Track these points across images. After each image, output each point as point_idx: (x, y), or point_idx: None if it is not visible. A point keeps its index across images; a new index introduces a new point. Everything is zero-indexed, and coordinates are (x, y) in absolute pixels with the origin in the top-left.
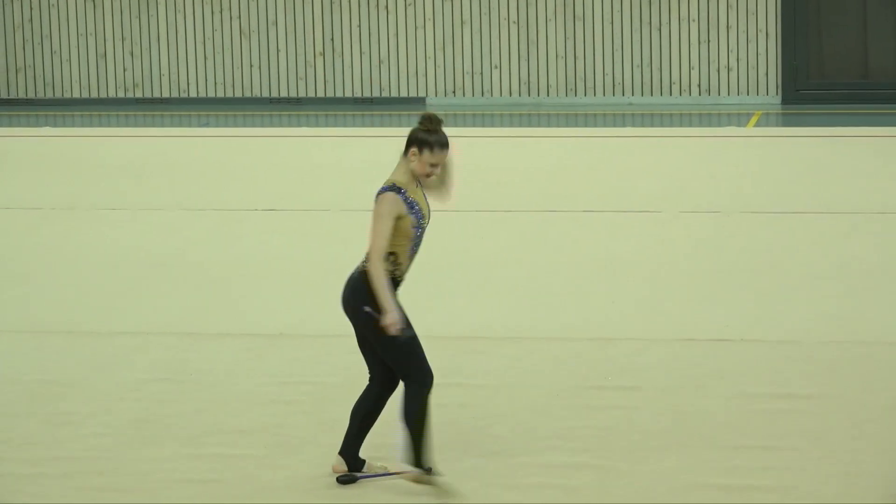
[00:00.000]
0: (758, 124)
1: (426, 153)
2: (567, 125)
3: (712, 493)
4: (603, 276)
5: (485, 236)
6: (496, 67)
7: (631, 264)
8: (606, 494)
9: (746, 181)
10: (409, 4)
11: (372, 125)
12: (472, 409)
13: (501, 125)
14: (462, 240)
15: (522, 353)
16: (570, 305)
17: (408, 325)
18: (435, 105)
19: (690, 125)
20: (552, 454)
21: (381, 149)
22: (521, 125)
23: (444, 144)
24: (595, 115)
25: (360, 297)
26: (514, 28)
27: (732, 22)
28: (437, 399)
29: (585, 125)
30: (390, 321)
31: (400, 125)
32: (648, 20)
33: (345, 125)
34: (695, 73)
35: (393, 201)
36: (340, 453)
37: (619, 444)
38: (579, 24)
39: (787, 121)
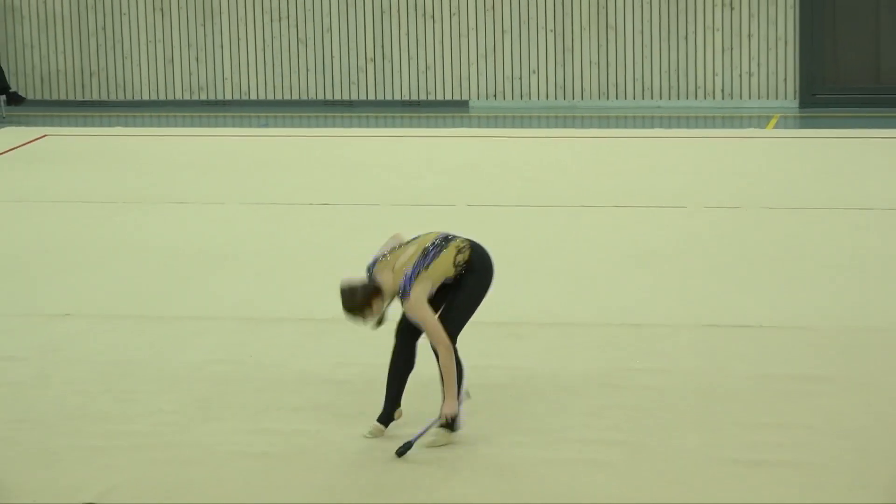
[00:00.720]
0: (777, 126)
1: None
2: (600, 126)
3: (733, 468)
4: (632, 266)
5: (525, 229)
6: (534, 73)
7: (658, 256)
8: (636, 468)
9: (766, 179)
10: (454, 14)
11: (419, 126)
12: (511, 390)
13: (539, 126)
14: (504, 232)
15: (559, 337)
16: (602, 293)
17: None
18: (477, 107)
19: (714, 127)
20: (586, 430)
21: (426, 148)
22: (556, 126)
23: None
24: (626, 117)
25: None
26: (550, 36)
27: (754, 31)
28: (481, 380)
29: (617, 126)
30: (449, 413)
31: (445, 125)
32: (676, 30)
33: (394, 126)
34: (718, 79)
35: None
36: (380, 419)
37: (648, 422)
38: (612, 33)
39: (804, 123)
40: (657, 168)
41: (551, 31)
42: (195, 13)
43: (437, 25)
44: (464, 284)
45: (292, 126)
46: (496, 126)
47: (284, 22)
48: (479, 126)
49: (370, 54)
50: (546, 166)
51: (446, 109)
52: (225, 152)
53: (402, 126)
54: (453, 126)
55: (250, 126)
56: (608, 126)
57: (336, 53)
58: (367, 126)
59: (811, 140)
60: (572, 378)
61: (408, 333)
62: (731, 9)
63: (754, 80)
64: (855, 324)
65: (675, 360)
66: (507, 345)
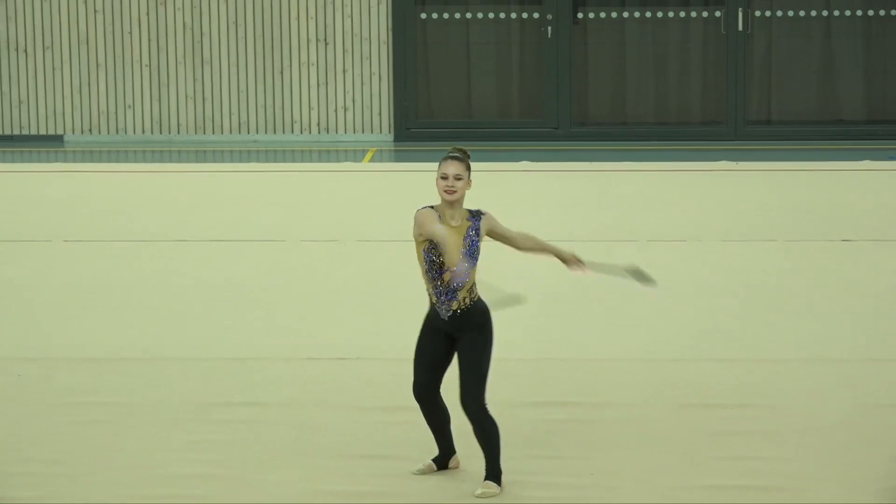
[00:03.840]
0: (372, 160)
1: (439, 170)
2: (196, 161)
3: (329, 499)
4: (227, 300)
5: (119, 264)
6: (129, 107)
7: (254, 288)
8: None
9: (362, 212)
10: (47, 47)
11: (13, 161)
12: (108, 426)
13: (136, 160)
14: (96, 266)
15: (155, 371)
16: (197, 327)
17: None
18: (72, 142)
19: (311, 161)
20: (185, 465)
21: (21, 184)
22: (153, 160)
23: (449, 157)
24: (223, 151)
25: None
26: (146, 70)
27: (349, 66)
28: (72, 417)
29: (213, 160)
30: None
31: (40, 160)
32: (271, 64)
33: None
34: (314, 113)
35: (426, 215)
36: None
37: (246, 456)
38: (207, 68)
39: (399, 157)
40: (254, 201)
41: (146, 65)
42: None
43: (30, 59)
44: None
45: None
46: (92, 161)
47: None
48: (74, 161)
49: None
50: (143, 201)
51: (41, 144)
52: None
53: None
54: (48, 161)
55: None
56: (205, 160)
57: None
58: None
59: (406, 174)
60: (170, 413)
61: (428, 396)
62: (326, 44)
63: (349, 114)
64: None
65: (271, 393)
66: (101, 381)
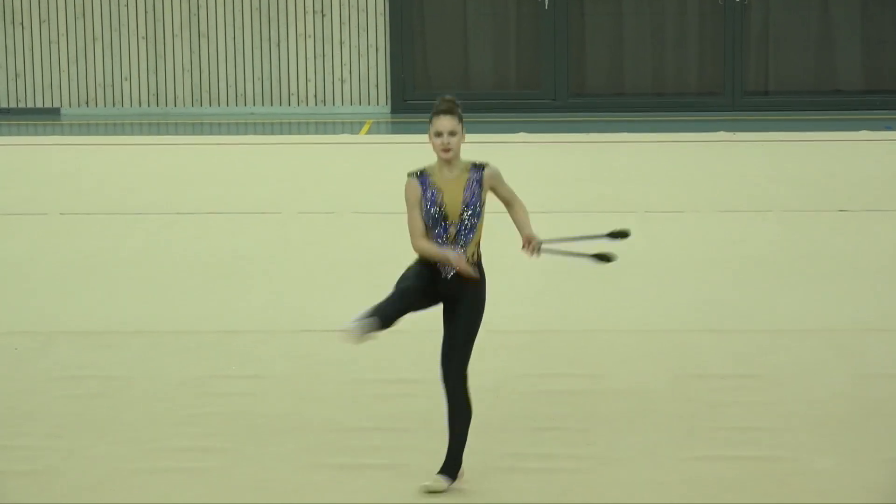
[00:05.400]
0: (369, 132)
1: (431, 127)
2: (194, 133)
3: (329, 472)
4: (225, 273)
5: (117, 238)
6: (126, 79)
7: (253, 262)
8: (232, 474)
9: (359, 184)
10: (43, 21)
11: (9, 134)
12: (105, 399)
13: (133, 133)
14: (95, 241)
15: (151, 346)
16: (194, 301)
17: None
18: (69, 115)
19: (308, 133)
20: (182, 439)
21: (17, 157)
22: (150, 133)
23: (440, 111)
24: (220, 124)
25: None
26: (143, 43)
27: (346, 38)
28: (71, 391)
29: (211, 133)
30: (454, 258)
31: (37, 133)
32: (269, 36)
33: None
34: (311, 85)
35: (410, 188)
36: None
37: (243, 428)
38: (204, 40)
39: (396, 129)
40: (251, 174)
41: (143, 37)
42: None
43: (27, 32)
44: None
45: None
46: (89, 134)
47: None
48: (71, 134)
49: None
50: (140, 174)
51: (37, 117)
52: None
53: None
54: (45, 134)
55: None
56: (202, 133)
57: None
58: None
59: (403, 145)
60: (166, 386)
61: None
62: (323, 16)
63: (346, 86)
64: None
65: (268, 366)
66: (98, 355)
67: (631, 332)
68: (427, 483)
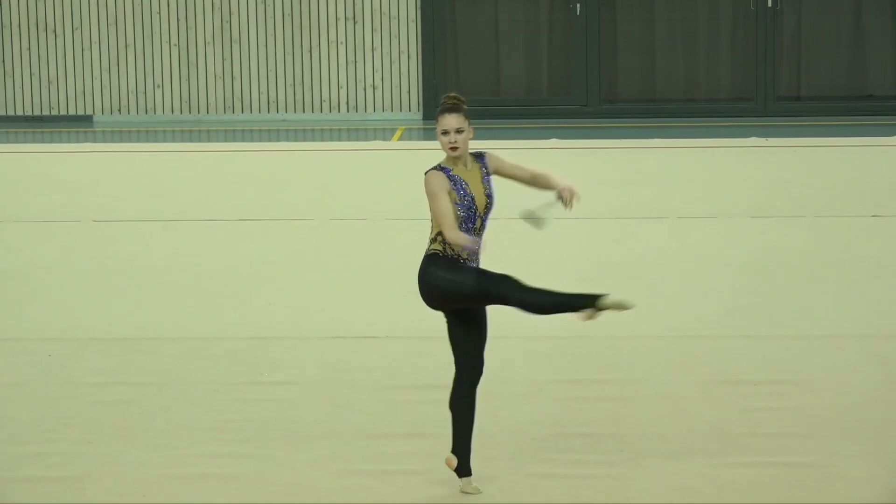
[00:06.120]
0: (401, 139)
1: (438, 125)
2: (225, 140)
3: (358, 478)
4: (258, 279)
5: (150, 244)
6: (158, 87)
7: (286, 269)
8: (264, 480)
9: (391, 191)
10: (76, 28)
11: (42, 142)
12: (138, 406)
13: (164, 140)
14: (126, 247)
15: (185, 352)
16: (227, 307)
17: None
18: (101, 122)
19: (339, 139)
20: (214, 445)
21: (50, 163)
22: (182, 140)
23: (445, 109)
24: (251, 130)
25: (430, 275)
26: (174, 50)
27: (377, 44)
28: (104, 397)
29: (242, 140)
30: (470, 242)
31: (69, 140)
32: (300, 43)
33: (16, 142)
34: (343, 92)
35: (437, 177)
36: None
37: (275, 434)
38: (236, 47)
39: (428, 135)
40: (283, 181)
41: (175, 45)
42: None
43: (59, 40)
44: None
45: None
46: (122, 141)
47: None
48: (104, 141)
49: None
50: (172, 181)
51: (70, 124)
52: None
53: (24, 142)
54: (78, 141)
55: None
56: (234, 140)
57: None
58: None
59: (435, 152)
60: (198, 392)
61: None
62: (355, 22)
63: (378, 92)
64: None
65: (299, 372)
66: (131, 361)
67: (662, 337)
68: (472, 486)
